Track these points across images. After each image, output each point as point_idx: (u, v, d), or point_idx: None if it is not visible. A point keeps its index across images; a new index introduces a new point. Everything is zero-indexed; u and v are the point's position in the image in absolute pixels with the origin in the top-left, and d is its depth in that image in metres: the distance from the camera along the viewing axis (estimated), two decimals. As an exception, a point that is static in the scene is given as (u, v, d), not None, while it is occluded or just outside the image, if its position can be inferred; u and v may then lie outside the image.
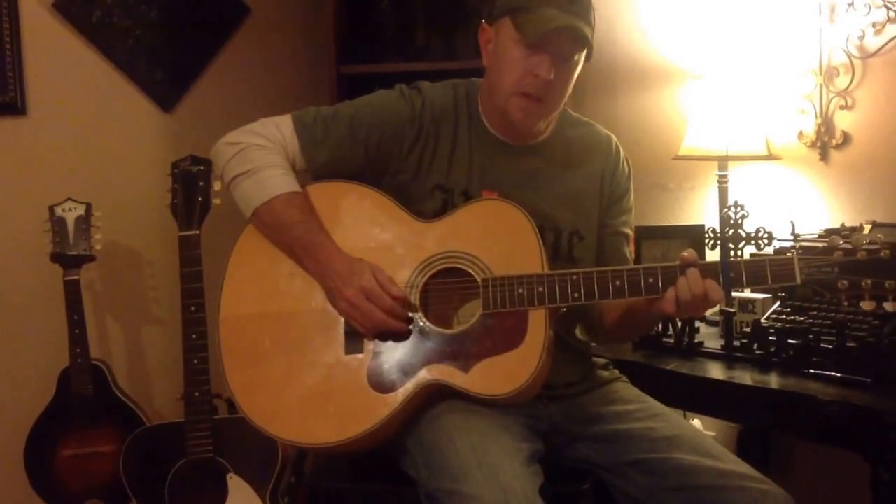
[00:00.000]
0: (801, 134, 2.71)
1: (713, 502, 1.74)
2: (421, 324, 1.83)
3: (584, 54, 1.89)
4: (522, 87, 1.86)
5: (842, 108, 2.63)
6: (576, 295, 1.77)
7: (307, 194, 1.93)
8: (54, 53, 2.94)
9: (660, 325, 2.41)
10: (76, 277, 2.73)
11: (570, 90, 1.93)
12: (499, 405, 1.79)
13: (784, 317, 2.31)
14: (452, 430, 1.74)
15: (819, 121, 2.67)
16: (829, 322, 2.21)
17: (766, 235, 2.28)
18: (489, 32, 1.93)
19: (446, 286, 1.85)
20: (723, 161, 2.69)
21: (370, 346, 1.83)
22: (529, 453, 1.77)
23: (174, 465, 2.62)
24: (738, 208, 2.41)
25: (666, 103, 3.00)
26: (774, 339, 2.22)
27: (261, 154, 1.92)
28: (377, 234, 1.90)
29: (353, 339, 1.84)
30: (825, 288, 1.72)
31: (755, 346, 2.26)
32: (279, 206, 1.89)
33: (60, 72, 2.95)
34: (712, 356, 2.33)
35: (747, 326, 2.32)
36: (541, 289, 1.77)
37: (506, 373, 1.76)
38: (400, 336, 1.83)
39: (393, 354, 1.82)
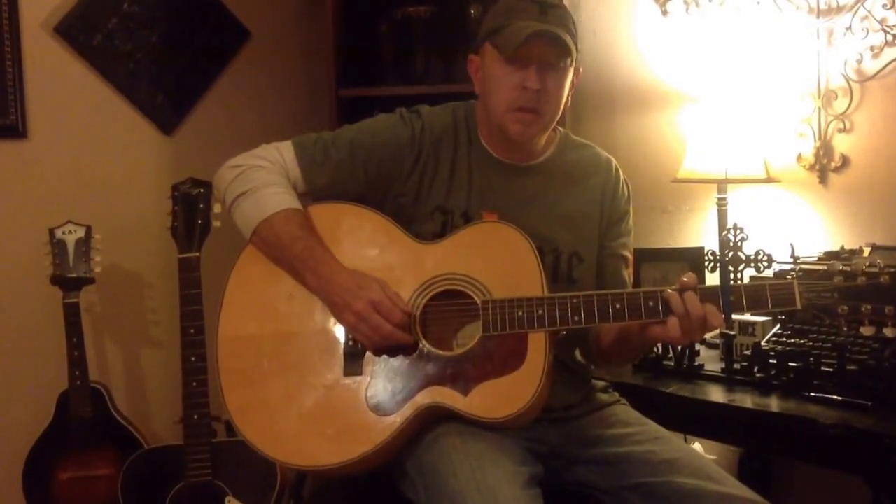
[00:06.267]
0: (799, 157, 2.72)
1: (714, 526, 1.74)
2: (420, 346, 1.83)
3: (571, 62, 1.90)
4: (514, 102, 1.88)
5: (840, 131, 2.64)
6: (576, 318, 1.77)
7: (307, 214, 1.94)
8: (55, 77, 2.95)
9: (660, 348, 2.41)
10: (76, 300, 2.73)
11: (564, 100, 1.94)
12: (498, 428, 1.78)
13: (784, 340, 2.31)
14: (452, 453, 1.73)
15: (818, 144, 2.68)
16: (829, 345, 2.21)
17: (765, 258, 2.29)
18: (476, 62, 1.98)
19: (446, 308, 1.85)
20: (722, 184, 2.70)
21: (369, 367, 1.83)
22: (529, 476, 1.76)
23: (173, 488, 2.61)
24: (738, 231, 2.42)
25: (665, 126, 3.01)
26: (775, 362, 2.23)
27: (261, 174, 1.93)
28: (376, 255, 1.90)
29: (353, 361, 1.84)
30: (825, 313, 1.72)
31: (756, 368, 2.26)
32: (278, 222, 1.89)
33: (61, 95, 2.96)
34: (713, 379, 2.33)
35: (748, 349, 2.32)
36: (540, 311, 1.77)
37: (505, 395, 1.75)
38: (406, 351, 1.82)
39: (392, 376, 1.81)
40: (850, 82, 2.60)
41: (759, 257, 2.30)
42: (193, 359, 2.58)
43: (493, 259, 1.85)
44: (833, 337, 2.22)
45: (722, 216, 2.71)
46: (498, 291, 1.82)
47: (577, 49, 1.91)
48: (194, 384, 2.58)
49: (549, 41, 1.84)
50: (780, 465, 2.76)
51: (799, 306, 1.72)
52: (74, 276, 2.73)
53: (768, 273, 2.25)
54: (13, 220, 2.90)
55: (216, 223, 2.66)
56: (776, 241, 2.30)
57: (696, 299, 1.72)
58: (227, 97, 3.31)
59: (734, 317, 2.36)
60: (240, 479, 2.59)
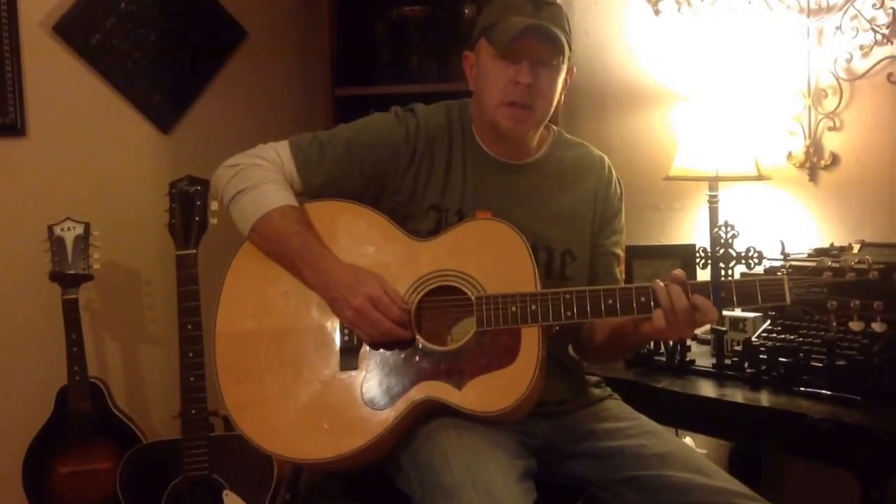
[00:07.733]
0: (790, 155, 2.74)
1: (705, 519, 1.76)
2: (416, 341, 1.85)
3: (564, 59, 1.92)
4: (506, 97, 1.90)
5: (830, 129, 2.66)
6: (568, 313, 1.79)
7: (304, 211, 1.96)
8: (54, 75, 2.96)
9: (652, 344, 2.43)
10: (75, 296, 2.74)
11: (557, 97, 1.96)
12: (492, 422, 1.80)
13: (774, 335, 2.33)
14: (446, 447, 1.75)
15: (808, 142, 2.70)
16: (819, 340, 2.22)
17: (756, 255, 2.31)
18: (471, 58, 2.00)
19: (440, 304, 1.87)
20: (713, 181, 2.71)
21: (365, 362, 1.85)
22: (523, 470, 1.78)
23: (171, 482, 2.62)
24: (729, 228, 2.44)
25: (656, 125, 3.03)
26: (765, 357, 2.24)
27: (258, 172, 1.95)
28: (372, 252, 1.92)
29: (348, 356, 1.86)
30: (814, 308, 1.74)
31: (746, 364, 2.28)
32: (276, 218, 1.91)
33: (60, 94, 2.98)
34: (704, 374, 2.36)
35: (738, 345, 2.34)
36: (534, 307, 1.79)
37: (499, 390, 1.77)
38: (402, 346, 1.84)
39: (387, 371, 1.83)
40: (840, 81, 2.62)
41: (750, 254, 2.32)
42: (191, 354, 2.59)
43: (487, 255, 1.87)
44: (822, 332, 2.24)
45: (713, 213, 2.73)
46: (492, 287, 1.83)
47: (570, 47, 1.93)
48: (192, 379, 2.59)
49: (542, 37, 1.86)
50: (771, 459, 2.79)
51: (788, 301, 1.74)
52: (73, 272, 2.74)
53: (759, 269, 2.27)
54: (12, 217, 2.92)
55: (213, 220, 2.68)
56: (766, 238, 2.31)
57: (680, 292, 1.74)
58: (225, 96, 3.33)
59: (725, 313, 2.39)
60: (237, 473, 2.61)
